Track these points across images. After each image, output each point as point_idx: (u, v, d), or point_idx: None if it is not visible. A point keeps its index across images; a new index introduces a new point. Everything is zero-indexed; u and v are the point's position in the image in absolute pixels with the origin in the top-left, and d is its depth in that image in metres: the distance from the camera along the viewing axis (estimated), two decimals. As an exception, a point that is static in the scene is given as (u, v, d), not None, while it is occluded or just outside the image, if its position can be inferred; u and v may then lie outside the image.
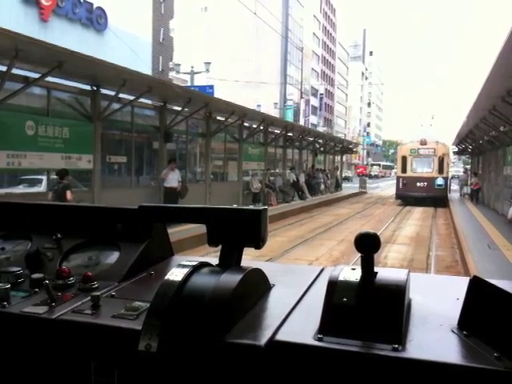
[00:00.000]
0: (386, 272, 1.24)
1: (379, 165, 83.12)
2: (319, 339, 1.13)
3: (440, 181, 25.82)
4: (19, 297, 1.40)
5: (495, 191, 21.32)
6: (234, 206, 1.53)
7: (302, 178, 25.18)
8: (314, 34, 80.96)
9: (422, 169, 26.41)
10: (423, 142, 26.82)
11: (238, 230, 1.45)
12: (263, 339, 1.14)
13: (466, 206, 23.46)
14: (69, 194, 9.83)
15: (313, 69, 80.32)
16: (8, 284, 1.41)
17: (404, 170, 26.75)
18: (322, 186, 29.49)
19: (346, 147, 37.85)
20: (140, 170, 14.93)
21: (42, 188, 11.57)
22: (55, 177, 9.97)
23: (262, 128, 20.52)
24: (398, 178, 27.52)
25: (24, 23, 17.04)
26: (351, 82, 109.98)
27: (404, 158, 26.93)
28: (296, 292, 1.43)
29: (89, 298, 1.36)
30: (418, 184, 25.82)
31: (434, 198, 25.23)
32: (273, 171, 22.94)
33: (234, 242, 1.45)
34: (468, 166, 42.89)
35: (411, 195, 25.67)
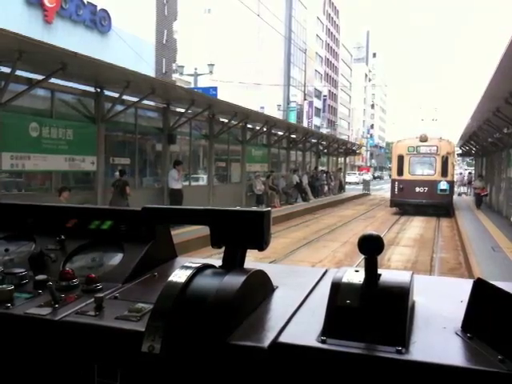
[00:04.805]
0: (389, 274, 1.24)
1: None
2: (322, 341, 1.12)
3: (443, 185, 21.76)
4: (23, 298, 1.40)
5: (498, 193, 21.27)
6: (237, 207, 1.53)
7: (306, 180, 25.17)
8: (317, 35, 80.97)
9: (421, 170, 22.44)
10: (423, 139, 22.38)
11: (241, 231, 1.44)
12: (266, 341, 1.14)
13: (470, 209, 23.38)
14: (128, 189, 11.64)
15: (316, 70, 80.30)
16: (12, 285, 1.41)
17: (400, 171, 22.56)
18: (326, 188, 29.49)
19: (350, 149, 37.83)
20: (143, 172, 14.94)
21: (204, 182, 16.74)
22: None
23: (265, 130, 20.53)
24: (393, 182, 23.12)
25: (28, 25, 17.06)
26: (354, 83, 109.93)
27: (400, 158, 22.64)
28: (299, 294, 1.42)
29: (92, 299, 1.36)
30: (417, 189, 21.81)
31: (436, 205, 21.60)
32: (276, 173, 22.89)
33: (237, 244, 1.45)
34: (472, 168, 43.17)
35: (409, 202, 21.99)
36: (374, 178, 77.83)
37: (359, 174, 65.22)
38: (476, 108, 17.16)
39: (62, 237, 1.75)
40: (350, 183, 51.76)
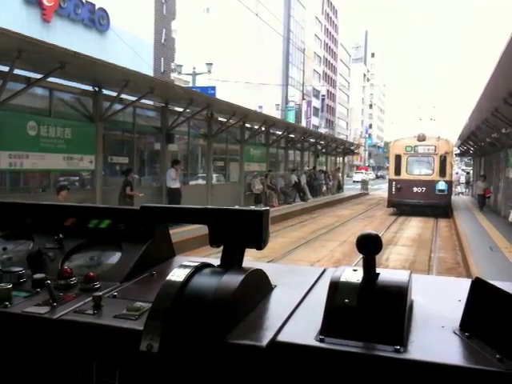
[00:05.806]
0: (387, 273, 1.24)
1: None
2: (321, 340, 1.12)
3: (442, 185, 21.43)
4: (21, 297, 1.40)
5: (496, 193, 21.29)
6: (236, 206, 1.53)
7: (304, 180, 25.17)
8: (315, 35, 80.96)
9: (419, 170, 22.08)
10: (421, 138, 22.02)
11: (239, 230, 1.44)
12: (265, 340, 1.14)
13: (468, 208, 23.40)
14: (128, 190, 11.58)
15: (314, 70, 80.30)
16: (10, 284, 1.41)
17: (398, 171, 22.21)
18: (324, 188, 29.49)
19: (348, 149, 37.84)
20: (142, 171, 14.93)
21: (204, 181, 17.42)
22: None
23: (263, 129, 20.53)
24: (390, 182, 22.83)
25: (26, 24, 17.02)
26: (353, 83, 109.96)
27: (398, 157, 22.31)
28: (298, 293, 1.42)
29: (90, 298, 1.36)
30: (415, 189, 21.50)
31: (435, 206, 21.31)
32: (274, 173, 22.87)
33: (236, 243, 1.45)
34: (470, 168, 43.40)
35: (406, 203, 21.67)
36: (377, 177, 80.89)
37: (365, 174, 65.45)
38: (474, 108, 17.17)
39: (61, 235, 1.75)
40: (357, 182, 52.82)
